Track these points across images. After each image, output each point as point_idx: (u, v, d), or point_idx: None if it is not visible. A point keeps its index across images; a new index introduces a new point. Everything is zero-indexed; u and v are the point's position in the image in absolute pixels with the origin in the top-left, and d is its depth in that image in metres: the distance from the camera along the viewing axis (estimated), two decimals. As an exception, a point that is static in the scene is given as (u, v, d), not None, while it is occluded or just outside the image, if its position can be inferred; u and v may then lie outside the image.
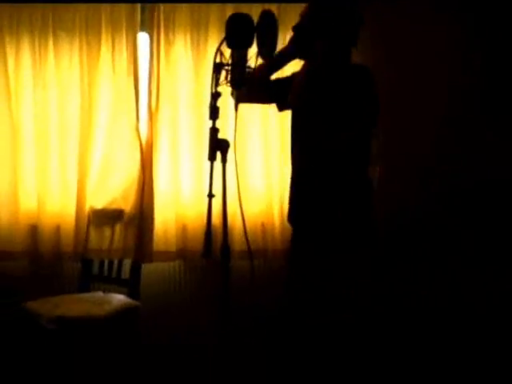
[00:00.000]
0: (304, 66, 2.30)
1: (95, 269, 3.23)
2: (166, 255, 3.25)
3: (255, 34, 2.05)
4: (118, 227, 3.23)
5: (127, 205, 3.23)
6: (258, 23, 2.08)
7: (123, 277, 3.17)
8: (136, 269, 3.12)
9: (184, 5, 3.25)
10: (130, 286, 3.09)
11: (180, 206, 3.27)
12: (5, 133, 3.23)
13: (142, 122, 3.27)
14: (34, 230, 3.24)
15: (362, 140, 2.24)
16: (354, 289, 2.14)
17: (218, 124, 2.00)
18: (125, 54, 3.25)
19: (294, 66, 2.42)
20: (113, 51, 3.24)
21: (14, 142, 3.23)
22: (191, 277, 3.33)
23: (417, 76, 3.12)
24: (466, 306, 2.85)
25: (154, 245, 3.23)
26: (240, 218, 2.06)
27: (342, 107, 2.15)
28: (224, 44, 2.05)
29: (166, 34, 3.24)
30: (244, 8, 3.05)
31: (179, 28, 3.26)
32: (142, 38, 3.30)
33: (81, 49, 3.23)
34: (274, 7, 3.00)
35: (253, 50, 2.10)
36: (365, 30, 2.29)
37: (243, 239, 2.18)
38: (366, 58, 2.93)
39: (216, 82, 2.03)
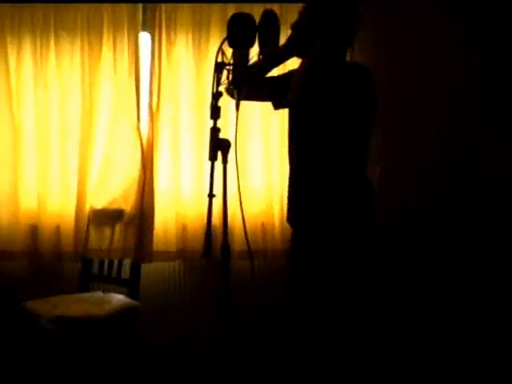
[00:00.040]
0: (302, 63, 2.29)
1: (95, 269, 3.24)
2: (165, 255, 3.25)
3: (257, 34, 2.05)
4: (118, 227, 3.24)
5: (127, 205, 3.23)
6: (259, 23, 2.09)
7: (123, 277, 3.17)
8: (136, 269, 3.13)
9: (186, 5, 3.25)
10: (130, 285, 3.09)
11: (180, 205, 3.27)
12: (6, 132, 3.23)
13: (142, 121, 3.27)
14: (34, 230, 3.25)
15: (361, 140, 2.24)
16: (353, 289, 2.14)
17: (219, 124, 2.00)
18: (126, 54, 3.25)
19: (292, 64, 2.43)
20: (114, 51, 3.24)
21: (14, 141, 3.23)
22: (191, 277, 3.34)
23: (417, 76, 3.12)
24: (466, 306, 2.84)
25: (154, 245, 3.23)
26: (240, 218, 2.06)
27: (341, 106, 2.16)
28: (226, 43, 2.05)
29: (168, 34, 3.24)
30: (246, 8, 3.06)
31: (181, 28, 3.26)
32: (144, 37, 3.31)
33: (82, 48, 3.23)
34: (275, 7, 2.96)
35: (254, 50, 2.11)
36: (365, 30, 2.29)
37: (243, 239, 2.18)
38: (366, 57, 2.93)
39: (217, 81, 2.03)
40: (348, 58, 2.35)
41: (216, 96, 2.00)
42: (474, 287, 2.84)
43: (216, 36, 3.24)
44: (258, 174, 3.31)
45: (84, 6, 3.22)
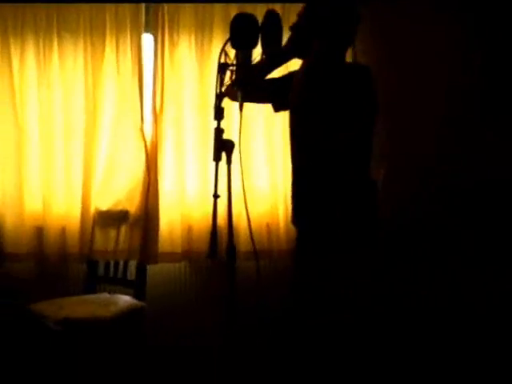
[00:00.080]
0: (303, 64, 2.29)
1: (101, 270, 3.24)
2: (171, 256, 3.26)
3: (260, 34, 2.05)
4: (123, 228, 3.24)
5: (132, 206, 3.24)
6: (262, 23, 2.08)
7: (129, 278, 3.17)
8: (142, 270, 3.12)
9: (188, 5, 3.26)
10: (136, 287, 3.09)
11: (185, 206, 3.28)
12: (10, 135, 3.24)
13: (146, 122, 3.28)
14: (39, 232, 3.25)
15: (362, 140, 2.22)
16: (354, 289, 2.14)
17: (223, 124, 2.00)
18: (129, 55, 3.26)
19: (294, 65, 2.44)
20: (117, 52, 3.25)
21: (18, 143, 3.24)
22: (197, 278, 3.34)
23: (417, 76, 3.11)
24: (466, 306, 2.84)
25: (160, 246, 3.24)
26: (245, 219, 2.05)
27: (341, 107, 2.14)
28: (228, 44, 2.05)
29: (171, 35, 3.26)
30: (248, 8, 3.06)
31: (183, 29, 3.27)
32: (147, 39, 3.32)
33: (85, 50, 3.25)
34: (278, 7, 3.00)
35: (257, 51, 2.10)
36: (365, 30, 2.29)
37: (249, 240, 2.18)
38: (366, 58, 2.95)
39: (221, 82, 2.04)
40: (350, 59, 2.35)
41: (219, 97, 2.01)
42: (474, 287, 2.84)
43: (219, 37, 3.25)
44: (262, 174, 3.31)
45: (86, 6, 3.23)
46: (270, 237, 3.30)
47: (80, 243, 3.24)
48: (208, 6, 3.26)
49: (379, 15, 3.10)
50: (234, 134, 2.11)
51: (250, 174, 3.25)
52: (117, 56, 3.26)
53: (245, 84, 2.07)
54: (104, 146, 3.27)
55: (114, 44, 3.25)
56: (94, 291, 3.18)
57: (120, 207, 3.27)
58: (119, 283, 3.17)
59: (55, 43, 3.25)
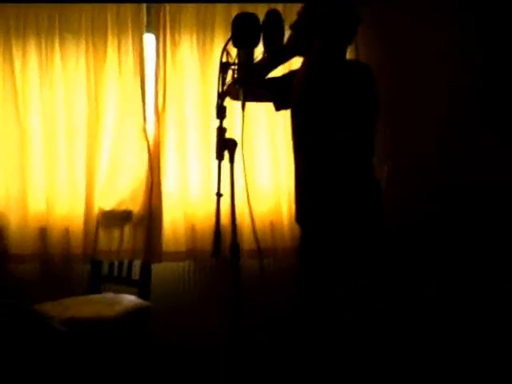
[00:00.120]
0: (303, 63, 2.28)
1: (105, 270, 3.24)
2: (175, 255, 3.26)
3: (261, 34, 2.05)
4: (126, 228, 3.25)
5: (136, 206, 3.25)
6: (263, 22, 2.08)
7: (133, 277, 3.17)
8: (146, 269, 3.13)
9: (190, 5, 3.27)
10: (140, 286, 3.10)
11: (188, 205, 3.28)
12: (13, 135, 3.24)
13: (149, 122, 3.28)
14: (43, 233, 3.25)
15: (362, 140, 2.22)
16: (355, 288, 2.13)
17: (225, 123, 2.00)
18: (131, 55, 3.26)
19: (296, 64, 2.44)
20: (119, 52, 3.26)
21: (21, 144, 3.24)
22: (201, 276, 3.34)
23: (417, 76, 3.12)
24: (466, 306, 2.85)
25: (164, 245, 3.24)
26: (249, 217, 2.07)
27: (341, 106, 2.14)
28: (230, 43, 2.05)
29: (172, 35, 3.26)
30: (250, 7, 3.06)
31: (185, 28, 3.28)
32: (148, 39, 3.32)
33: (87, 50, 3.25)
34: (279, 7, 3.00)
35: (259, 50, 2.10)
36: (365, 30, 2.29)
37: (252, 238, 2.18)
38: (366, 57, 2.96)
39: (223, 81, 2.04)
40: (352, 57, 2.34)
41: (222, 96, 2.01)
42: (474, 287, 2.84)
43: (220, 36, 3.26)
44: (265, 172, 3.31)
45: (88, 7, 3.24)
46: (274, 235, 3.29)
47: (84, 243, 3.24)
48: (209, 5, 3.27)
49: (380, 15, 3.11)
50: (236, 133, 2.11)
51: (253, 173, 3.25)
52: (119, 56, 3.26)
53: (246, 83, 2.07)
54: (107, 146, 3.27)
55: (116, 44, 3.26)
56: (98, 291, 3.19)
57: (123, 207, 3.27)
58: (124, 283, 3.18)
59: (57, 44, 3.25)
